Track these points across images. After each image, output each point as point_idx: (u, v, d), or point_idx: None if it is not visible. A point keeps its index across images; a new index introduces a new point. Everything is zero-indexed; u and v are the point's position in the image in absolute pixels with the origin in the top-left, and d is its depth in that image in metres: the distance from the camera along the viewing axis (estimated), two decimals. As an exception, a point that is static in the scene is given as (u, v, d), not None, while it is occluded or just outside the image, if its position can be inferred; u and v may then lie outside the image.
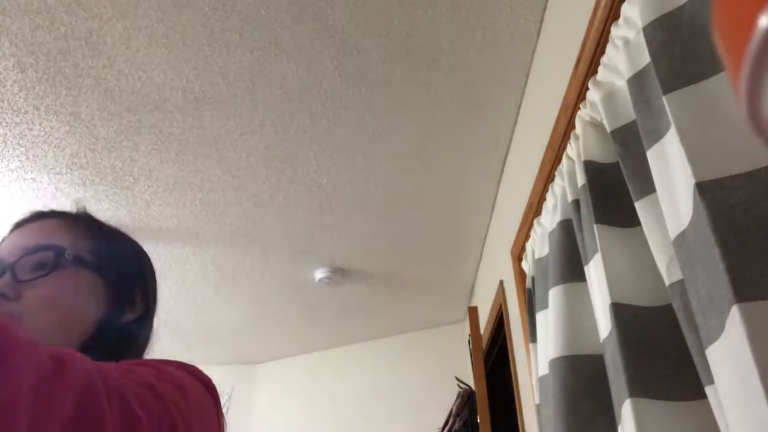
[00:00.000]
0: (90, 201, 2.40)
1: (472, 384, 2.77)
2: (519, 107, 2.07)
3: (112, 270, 0.76)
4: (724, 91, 0.83)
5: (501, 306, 2.41)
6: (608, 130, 1.16)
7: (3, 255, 0.73)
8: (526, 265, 1.86)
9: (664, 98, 0.90)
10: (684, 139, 0.84)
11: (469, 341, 2.80)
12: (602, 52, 1.22)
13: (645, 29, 0.97)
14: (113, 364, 0.57)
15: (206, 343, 3.95)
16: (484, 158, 2.33)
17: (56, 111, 1.95)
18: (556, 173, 1.55)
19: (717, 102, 0.84)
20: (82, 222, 0.79)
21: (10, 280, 0.69)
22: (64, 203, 2.37)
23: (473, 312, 2.74)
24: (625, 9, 1.09)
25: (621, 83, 1.16)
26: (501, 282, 2.45)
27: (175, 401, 0.57)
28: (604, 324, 1.12)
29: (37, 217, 0.79)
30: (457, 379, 3.12)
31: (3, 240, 0.78)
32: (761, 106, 0.22)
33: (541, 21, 1.74)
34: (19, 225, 0.79)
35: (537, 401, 1.53)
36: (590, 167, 1.24)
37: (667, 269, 0.94)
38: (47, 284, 0.69)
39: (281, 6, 1.65)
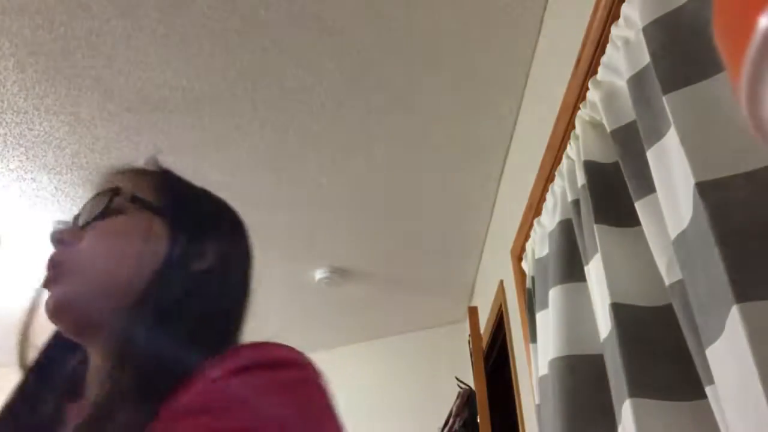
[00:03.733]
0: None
1: (472, 384, 2.76)
2: (519, 107, 2.07)
3: (178, 213, 0.74)
4: (724, 91, 0.83)
5: (501, 306, 2.41)
6: (608, 130, 1.16)
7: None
8: (526, 265, 1.86)
9: (664, 98, 0.90)
10: (684, 139, 0.84)
11: (469, 341, 2.80)
12: (602, 52, 1.22)
13: (645, 29, 0.97)
14: None
15: (206, 343, 3.94)
16: (484, 158, 2.33)
17: (56, 111, 1.95)
18: (556, 173, 1.55)
19: (717, 102, 0.84)
20: (152, 172, 0.78)
21: (72, 227, 0.71)
22: (64, 203, 2.37)
23: (473, 312, 2.74)
24: (625, 9, 1.09)
25: (621, 83, 1.16)
26: (501, 282, 2.44)
27: None
28: (604, 324, 1.12)
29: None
30: (457, 379, 3.12)
31: None
32: (761, 106, 0.22)
33: (541, 21, 1.74)
34: None
35: (537, 401, 1.53)
36: (590, 167, 1.24)
37: (667, 269, 0.94)
38: (104, 225, 0.69)
39: (281, 6, 1.65)
